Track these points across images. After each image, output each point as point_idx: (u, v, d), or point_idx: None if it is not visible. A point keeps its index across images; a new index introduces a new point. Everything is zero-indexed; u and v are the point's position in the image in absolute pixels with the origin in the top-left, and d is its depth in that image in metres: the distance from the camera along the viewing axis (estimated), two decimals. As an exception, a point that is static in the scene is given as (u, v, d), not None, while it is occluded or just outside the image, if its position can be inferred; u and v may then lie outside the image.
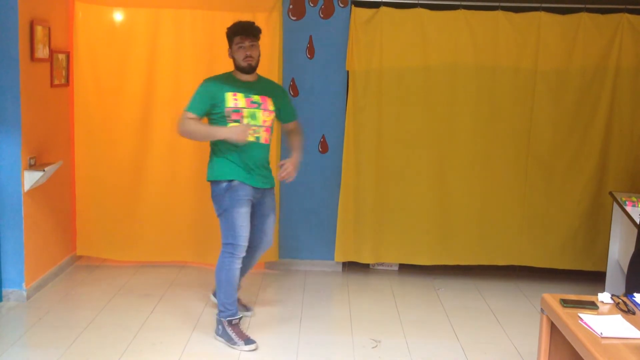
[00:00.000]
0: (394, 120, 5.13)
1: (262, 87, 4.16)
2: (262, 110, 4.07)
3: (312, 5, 5.17)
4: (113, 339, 3.99)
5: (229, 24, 5.04)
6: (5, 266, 4.48)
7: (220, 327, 4.05)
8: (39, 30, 4.53)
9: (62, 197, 5.09)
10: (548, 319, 2.88)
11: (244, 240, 4.01)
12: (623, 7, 5.04)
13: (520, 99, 5.14)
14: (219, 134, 3.96)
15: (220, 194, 4.03)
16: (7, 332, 4.05)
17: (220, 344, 3.99)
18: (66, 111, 5.12)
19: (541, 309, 2.92)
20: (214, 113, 4.02)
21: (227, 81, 4.09)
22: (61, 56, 4.92)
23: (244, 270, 4.23)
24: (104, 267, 5.29)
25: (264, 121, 4.08)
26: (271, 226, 4.24)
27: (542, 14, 5.05)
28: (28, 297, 4.53)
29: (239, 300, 4.25)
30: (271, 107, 4.13)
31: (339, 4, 5.17)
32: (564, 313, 2.72)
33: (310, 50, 5.22)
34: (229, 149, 4.01)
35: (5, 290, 4.49)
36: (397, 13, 5.05)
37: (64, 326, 4.14)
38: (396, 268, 5.53)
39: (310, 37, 5.20)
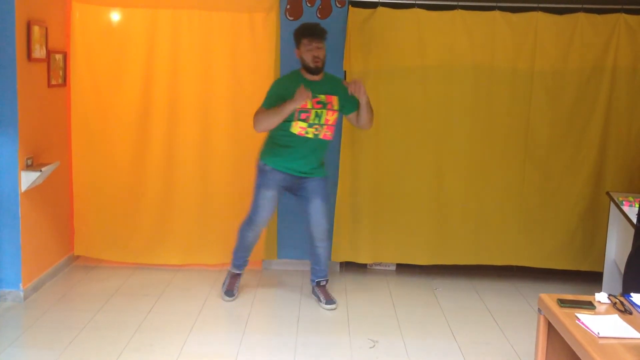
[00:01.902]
0: (391, 121, 5.13)
1: (328, 86, 4.41)
2: (327, 110, 4.37)
3: (309, 5, 5.17)
4: (111, 339, 3.98)
5: (226, 24, 5.09)
6: (2, 267, 4.47)
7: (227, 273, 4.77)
8: (36, 30, 4.52)
9: (59, 198, 5.08)
10: (545, 319, 2.88)
11: (259, 218, 4.54)
12: (620, 7, 5.05)
13: (518, 99, 5.14)
14: (287, 108, 4.21)
15: (257, 171, 4.54)
16: (4, 332, 4.05)
17: (219, 343, 3.99)
18: (63, 111, 5.11)
19: (538, 309, 2.92)
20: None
21: (297, 81, 4.32)
22: (58, 56, 4.92)
23: (318, 260, 4.68)
24: (101, 268, 5.28)
25: (327, 120, 4.39)
26: (318, 210, 4.55)
27: (539, 14, 5.06)
28: (25, 298, 4.52)
29: (327, 293, 4.69)
30: (336, 106, 4.42)
31: (336, 4, 5.17)
32: (561, 313, 2.72)
33: (308, 51, 5.21)
34: (284, 141, 4.40)
35: (2, 291, 4.49)
36: (394, 13, 5.06)
37: (61, 327, 4.14)
38: (393, 268, 5.54)
39: (308, 37, 5.20)
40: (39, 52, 4.58)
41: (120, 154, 5.20)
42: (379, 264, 5.51)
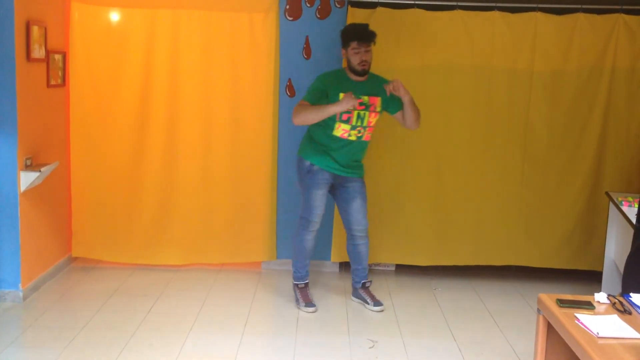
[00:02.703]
0: (390, 121, 5.12)
1: (371, 87, 4.41)
2: (369, 112, 4.37)
3: (308, 5, 5.17)
4: (109, 339, 3.98)
5: (226, 24, 5.08)
6: (1, 267, 4.46)
7: (293, 288, 4.68)
8: (35, 30, 4.52)
9: (58, 198, 5.08)
10: (544, 319, 2.88)
11: (315, 217, 4.52)
12: (619, 7, 5.05)
13: (517, 99, 5.14)
14: (331, 110, 4.21)
15: (302, 170, 4.52)
16: (3, 332, 4.04)
17: (218, 343, 3.99)
18: (62, 112, 5.11)
19: (537, 309, 2.92)
20: None
21: (341, 80, 4.37)
22: (57, 56, 4.91)
23: (359, 259, 4.69)
24: (100, 268, 5.28)
25: (370, 122, 4.40)
26: (359, 209, 4.59)
27: (539, 14, 5.06)
28: (24, 298, 4.52)
29: (372, 295, 4.69)
30: (379, 107, 4.42)
31: (335, 5, 5.17)
32: (560, 313, 2.72)
33: (307, 51, 5.22)
34: (326, 142, 4.41)
35: (1, 291, 4.48)
36: (393, 14, 5.06)
37: (60, 327, 4.14)
38: (393, 268, 5.53)
39: (307, 37, 5.20)
40: (38, 52, 4.57)
41: (119, 154, 5.19)
42: (379, 264, 5.51)
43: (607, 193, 4.90)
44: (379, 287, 5.09)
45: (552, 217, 5.25)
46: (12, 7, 4.27)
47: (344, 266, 5.46)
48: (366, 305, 4.65)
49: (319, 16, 5.18)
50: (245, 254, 5.34)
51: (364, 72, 4.38)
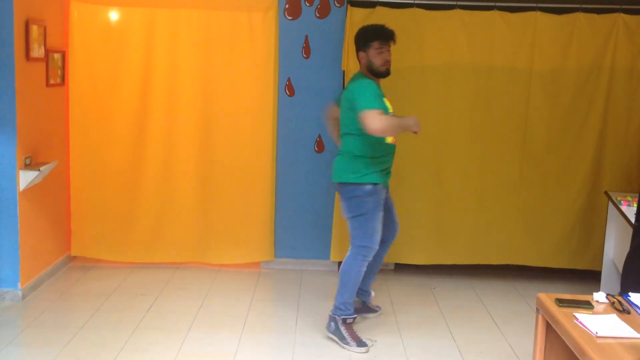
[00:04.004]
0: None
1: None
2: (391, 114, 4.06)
3: (308, 5, 5.17)
4: (109, 339, 3.98)
5: (225, 23, 5.08)
6: (0, 266, 4.46)
7: (332, 324, 4.06)
8: (35, 29, 4.52)
9: (57, 197, 5.08)
10: (543, 318, 2.88)
11: (377, 244, 4.04)
12: (618, 7, 5.05)
13: (516, 98, 5.15)
14: (406, 124, 3.90)
15: (362, 196, 3.97)
16: (2, 331, 4.04)
17: (217, 342, 3.99)
18: (61, 111, 5.11)
19: (536, 308, 2.92)
20: None
21: (377, 85, 4.04)
22: (57, 55, 4.91)
23: (376, 269, 4.37)
24: (99, 267, 5.28)
25: None
26: (396, 219, 4.37)
27: (538, 13, 5.06)
28: (23, 297, 4.52)
29: (368, 302, 4.47)
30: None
31: (335, 4, 5.17)
32: (559, 312, 2.72)
33: (306, 50, 5.22)
34: (382, 154, 4.02)
35: (0, 290, 4.48)
36: (393, 13, 5.05)
37: (59, 326, 4.14)
38: (392, 267, 5.53)
39: (306, 36, 5.20)
40: (37, 51, 4.57)
41: (118, 153, 5.20)
42: (378, 264, 5.51)
43: (606, 192, 4.90)
44: (378, 287, 5.09)
45: (551, 216, 5.25)
46: (12, 7, 4.27)
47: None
48: (378, 311, 4.52)
49: (318, 15, 5.18)
50: (244, 254, 5.34)
51: (388, 73, 4.08)
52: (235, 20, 5.08)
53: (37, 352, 3.78)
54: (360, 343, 3.98)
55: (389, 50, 4.09)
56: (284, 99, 5.24)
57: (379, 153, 4.01)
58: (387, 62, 4.07)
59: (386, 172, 4.09)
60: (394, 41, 4.14)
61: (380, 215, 4.02)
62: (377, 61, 4.03)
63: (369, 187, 3.96)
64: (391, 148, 4.12)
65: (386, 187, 4.13)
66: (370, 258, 4.06)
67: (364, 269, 4.07)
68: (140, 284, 4.94)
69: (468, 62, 5.10)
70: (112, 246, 5.28)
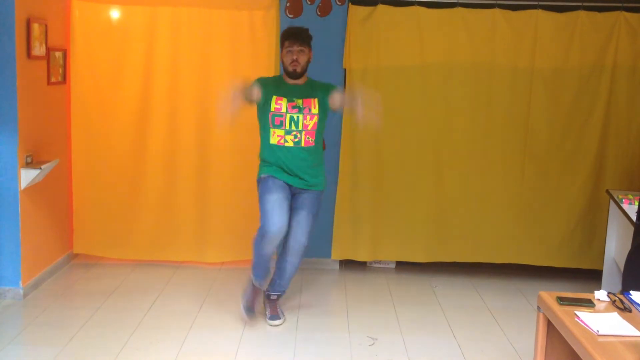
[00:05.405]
0: (391, 119, 5.12)
1: (308, 90, 4.19)
2: (303, 115, 4.13)
3: (309, 3, 5.16)
4: (110, 337, 3.99)
5: (226, 22, 5.08)
6: (2, 264, 4.47)
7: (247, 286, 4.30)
8: (36, 27, 4.52)
9: (59, 195, 5.08)
10: (545, 316, 2.88)
11: (272, 225, 3.98)
12: (620, 5, 5.04)
13: (517, 96, 5.14)
14: (224, 97, 3.93)
15: (258, 184, 4.22)
16: (4, 330, 4.04)
17: (216, 344, 3.99)
18: (63, 109, 5.11)
19: (538, 306, 2.93)
20: (261, 112, 4.18)
21: (276, 84, 4.18)
22: (58, 54, 4.91)
23: (282, 274, 4.29)
24: (100, 266, 5.28)
25: (306, 125, 4.14)
26: (301, 224, 4.16)
27: (539, 12, 5.05)
28: (25, 295, 4.52)
29: (276, 307, 4.37)
30: (315, 109, 4.15)
31: (336, 2, 5.16)
32: (560, 311, 2.73)
33: (308, 48, 5.20)
34: (269, 155, 4.17)
35: (2, 288, 4.49)
36: (394, 11, 5.05)
37: (60, 324, 4.14)
38: (393, 266, 5.54)
39: (308, 35, 5.19)
40: (38, 49, 4.57)
41: (120, 152, 5.20)
42: (379, 262, 5.51)
43: (607, 191, 4.90)
44: (379, 285, 5.10)
45: (553, 214, 5.24)
46: (13, 5, 4.27)
47: (345, 263, 5.47)
48: (266, 317, 4.35)
49: (319, 14, 5.17)
50: (245, 252, 5.32)
51: (295, 74, 4.13)
52: (237, 18, 5.08)
53: (39, 351, 3.78)
54: (249, 310, 4.22)
55: (300, 51, 4.13)
56: (285, 97, 5.23)
57: (268, 154, 4.18)
58: (294, 62, 4.13)
59: (283, 174, 4.15)
60: (307, 44, 4.16)
61: (270, 197, 4.05)
62: (285, 61, 4.16)
63: (258, 179, 4.24)
64: (281, 150, 4.14)
65: (290, 185, 4.17)
66: (267, 238, 4.01)
67: (265, 251, 4.09)
68: (142, 282, 4.94)
69: (469, 60, 5.09)
70: (114, 243, 5.29)
